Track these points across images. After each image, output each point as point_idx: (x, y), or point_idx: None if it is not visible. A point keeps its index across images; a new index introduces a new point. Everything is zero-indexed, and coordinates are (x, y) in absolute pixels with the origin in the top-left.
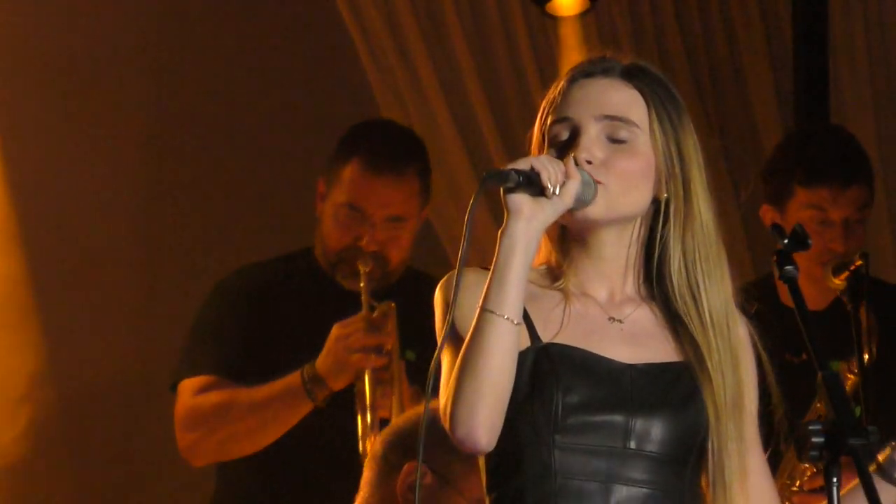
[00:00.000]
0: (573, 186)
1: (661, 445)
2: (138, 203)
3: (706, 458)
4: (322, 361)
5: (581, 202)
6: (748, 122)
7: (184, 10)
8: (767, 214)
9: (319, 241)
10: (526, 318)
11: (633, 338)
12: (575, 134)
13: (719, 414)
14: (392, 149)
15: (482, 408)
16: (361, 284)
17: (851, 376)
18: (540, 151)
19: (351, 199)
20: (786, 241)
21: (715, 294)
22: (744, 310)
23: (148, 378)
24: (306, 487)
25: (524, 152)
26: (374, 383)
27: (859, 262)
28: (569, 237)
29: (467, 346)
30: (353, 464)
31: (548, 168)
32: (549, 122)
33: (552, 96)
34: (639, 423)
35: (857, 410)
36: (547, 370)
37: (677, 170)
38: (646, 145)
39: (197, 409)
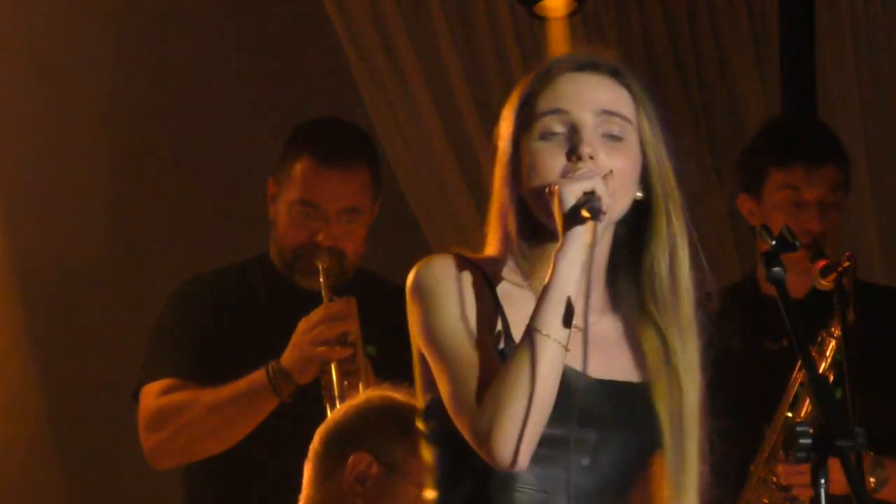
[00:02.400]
0: (607, 203)
1: (610, 463)
2: (115, 205)
3: (649, 476)
4: (287, 356)
5: None
6: (736, 122)
7: (162, 9)
8: (745, 205)
9: (275, 243)
10: (504, 320)
11: (594, 348)
12: (574, 129)
13: (685, 418)
14: (340, 142)
15: (530, 431)
16: (321, 280)
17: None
18: (515, 138)
19: (304, 195)
20: (773, 242)
21: (691, 294)
22: (705, 308)
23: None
24: (275, 483)
25: None
26: (341, 375)
27: (847, 264)
28: (541, 234)
29: (518, 367)
30: None
31: (606, 194)
32: (536, 110)
33: (534, 83)
34: (591, 438)
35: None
36: None
37: (667, 168)
38: (636, 143)
39: (161, 410)
